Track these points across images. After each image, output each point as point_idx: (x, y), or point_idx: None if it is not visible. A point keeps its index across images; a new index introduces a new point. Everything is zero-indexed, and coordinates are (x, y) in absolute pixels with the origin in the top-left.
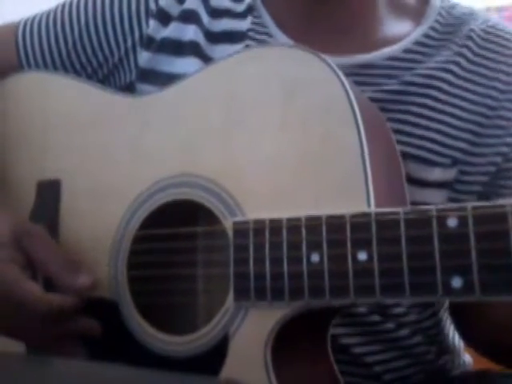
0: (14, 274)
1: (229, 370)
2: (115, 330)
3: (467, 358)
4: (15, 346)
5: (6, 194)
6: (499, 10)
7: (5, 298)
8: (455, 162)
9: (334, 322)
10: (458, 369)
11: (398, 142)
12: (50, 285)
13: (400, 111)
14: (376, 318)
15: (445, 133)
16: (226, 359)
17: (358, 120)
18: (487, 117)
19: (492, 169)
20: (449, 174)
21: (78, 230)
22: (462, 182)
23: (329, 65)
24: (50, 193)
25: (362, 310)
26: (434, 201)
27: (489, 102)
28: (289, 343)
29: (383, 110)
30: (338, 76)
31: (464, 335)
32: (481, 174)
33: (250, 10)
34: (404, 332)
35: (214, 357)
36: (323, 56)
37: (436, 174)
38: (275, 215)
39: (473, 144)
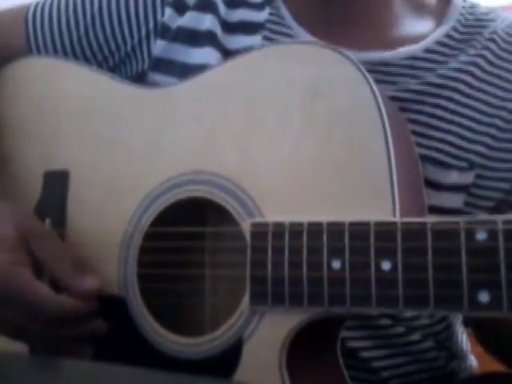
0: (24, 277)
1: (242, 373)
2: (123, 328)
3: (473, 361)
4: (18, 346)
5: (11, 184)
6: (499, 10)
7: (15, 301)
8: (472, 165)
9: (344, 326)
10: (464, 372)
11: (416, 143)
12: (55, 284)
13: (418, 112)
14: (386, 321)
15: (462, 136)
16: (240, 362)
17: (385, 124)
18: (507, 121)
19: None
20: (465, 178)
21: (85, 224)
22: (480, 187)
23: (356, 65)
24: (57, 184)
25: None
26: (450, 205)
27: (508, 105)
28: (302, 347)
29: (401, 110)
30: (365, 76)
31: (486, 343)
32: (501, 180)
33: (267, 1)
34: (415, 336)
35: (227, 359)
36: (350, 56)
37: (452, 178)
38: (295, 219)
39: (491, 148)
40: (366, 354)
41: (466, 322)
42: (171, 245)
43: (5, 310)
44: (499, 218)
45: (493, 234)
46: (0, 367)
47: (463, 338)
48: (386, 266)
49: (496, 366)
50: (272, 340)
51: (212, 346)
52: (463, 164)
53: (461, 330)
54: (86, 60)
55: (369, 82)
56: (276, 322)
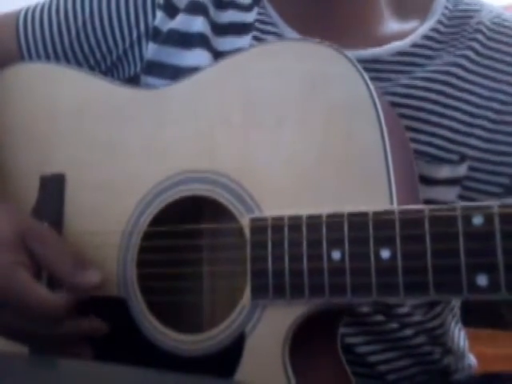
0: (22, 278)
1: (245, 368)
2: (123, 328)
3: (472, 360)
4: (18, 347)
5: (7, 188)
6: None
7: (14, 303)
8: (464, 157)
9: (343, 321)
10: (462, 371)
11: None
12: (53, 282)
13: (410, 107)
14: (380, 317)
15: (455, 129)
16: (242, 358)
17: (380, 118)
18: (499, 112)
19: (510, 170)
20: (458, 171)
21: (83, 226)
22: (475, 180)
23: (351, 61)
24: (53, 187)
25: (365, 309)
26: (445, 198)
27: (500, 96)
28: (303, 341)
29: (392, 105)
30: (360, 73)
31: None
32: (496, 173)
33: (255, 1)
34: (408, 332)
35: (229, 356)
36: (345, 52)
37: (444, 172)
38: (294, 213)
39: (485, 140)
40: (361, 350)
41: (465, 322)
42: (170, 243)
43: (4, 311)
44: (495, 202)
45: (489, 218)
46: (0, 367)
47: (460, 336)
48: (385, 254)
49: (496, 366)
50: (274, 333)
51: (214, 341)
52: (454, 157)
53: (458, 327)
54: (79, 64)
55: (364, 78)
56: (278, 314)
